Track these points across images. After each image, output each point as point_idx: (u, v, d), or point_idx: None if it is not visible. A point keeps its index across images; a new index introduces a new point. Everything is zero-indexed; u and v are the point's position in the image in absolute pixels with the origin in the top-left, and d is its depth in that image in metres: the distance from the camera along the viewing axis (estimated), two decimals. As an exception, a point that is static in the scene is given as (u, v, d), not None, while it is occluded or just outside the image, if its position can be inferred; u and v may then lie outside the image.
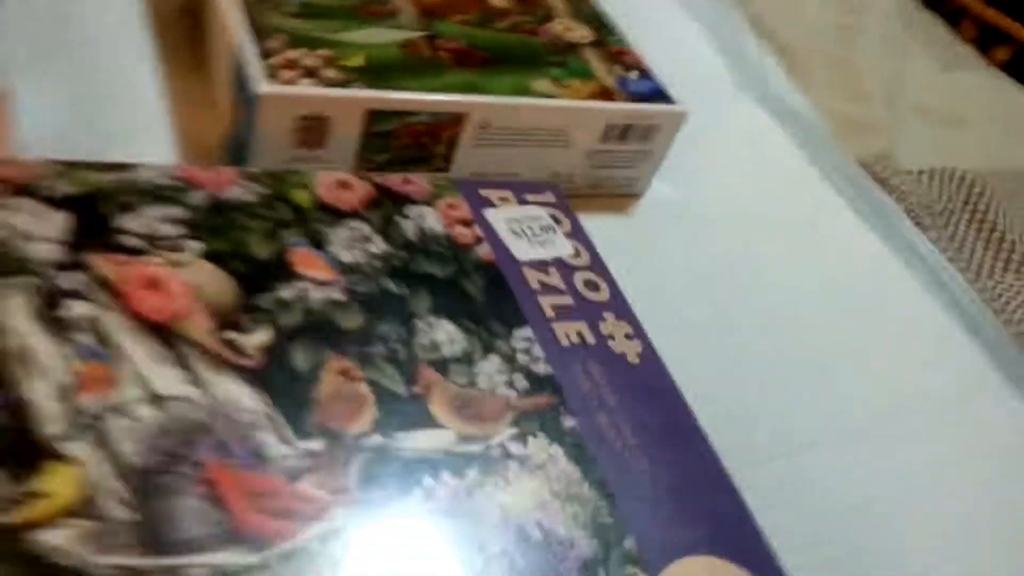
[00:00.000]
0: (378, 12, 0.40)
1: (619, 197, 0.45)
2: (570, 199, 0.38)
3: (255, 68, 0.34)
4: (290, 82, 0.34)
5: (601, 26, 0.46)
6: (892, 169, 0.56)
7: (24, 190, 0.24)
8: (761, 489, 0.28)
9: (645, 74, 0.44)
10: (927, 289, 0.46)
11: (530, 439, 0.24)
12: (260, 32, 0.36)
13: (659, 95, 0.43)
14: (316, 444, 0.22)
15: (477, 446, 0.23)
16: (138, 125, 0.37)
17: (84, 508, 0.19)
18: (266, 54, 0.35)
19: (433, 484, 0.22)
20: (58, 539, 0.18)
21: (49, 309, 0.22)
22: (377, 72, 0.36)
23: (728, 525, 0.25)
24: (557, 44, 0.43)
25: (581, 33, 0.45)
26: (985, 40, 0.84)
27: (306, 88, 0.34)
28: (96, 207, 0.24)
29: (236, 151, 0.36)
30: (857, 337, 0.42)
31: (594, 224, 0.38)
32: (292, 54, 0.35)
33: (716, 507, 0.25)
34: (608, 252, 0.37)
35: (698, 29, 0.58)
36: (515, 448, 0.24)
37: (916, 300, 0.45)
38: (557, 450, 0.24)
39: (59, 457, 0.19)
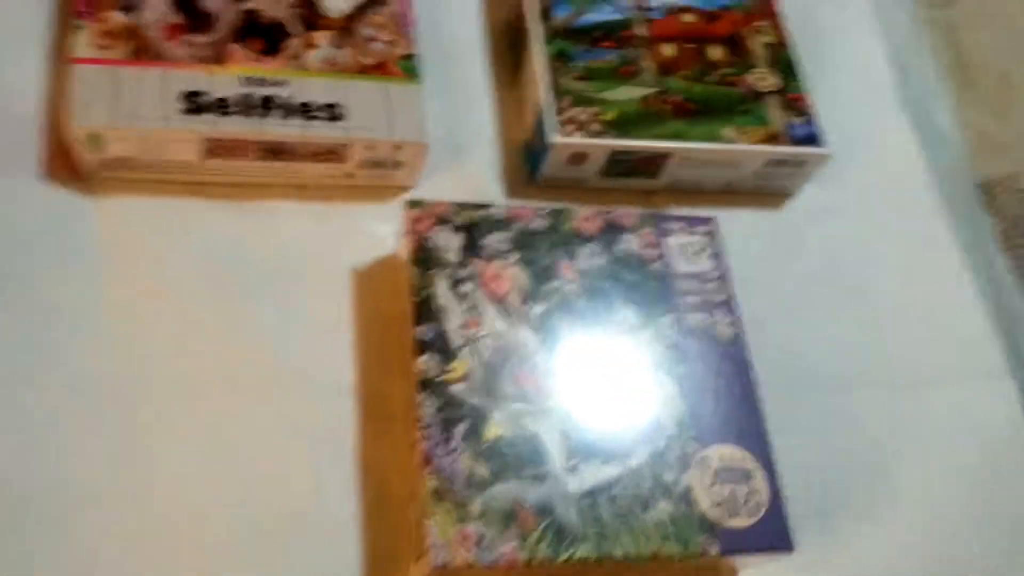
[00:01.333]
0: (630, 71, 0.62)
1: (776, 195, 0.66)
2: (738, 195, 0.61)
3: (551, 122, 0.58)
4: (570, 134, 0.58)
5: (789, 74, 0.65)
6: (1010, 188, 0.71)
7: (441, 220, 0.51)
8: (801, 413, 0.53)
9: (809, 119, 0.63)
10: (984, 296, 0.64)
11: (661, 375, 0.50)
12: (557, 91, 0.59)
13: (813, 139, 0.62)
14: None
15: (634, 375, 0.49)
16: (475, 119, 0.63)
17: (466, 377, 0.47)
18: (559, 111, 0.59)
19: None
20: (459, 390, 0.47)
21: (454, 286, 0.50)
22: (622, 124, 0.59)
23: (750, 431, 0.50)
24: (748, 95, 0.63)
25: (771, 82, 0.64)
26: None
27: (577, 139, 0.58)
28: (472, 231, 0.51)
29: (531, 157, 0.61)
30: (906, 315, 0.63)
31: (751, 216, 0.61)
32: (572, 112, 0.59)
33: (745, 420, 0.50)
34: (757, 231, 0.60)
35: (881, 37, 0.73)
36: (652, 378, 0.50)
37: (968, 301, 0.64)
38: (668, 381, 0.50)
39: (458, 355, 0.48)
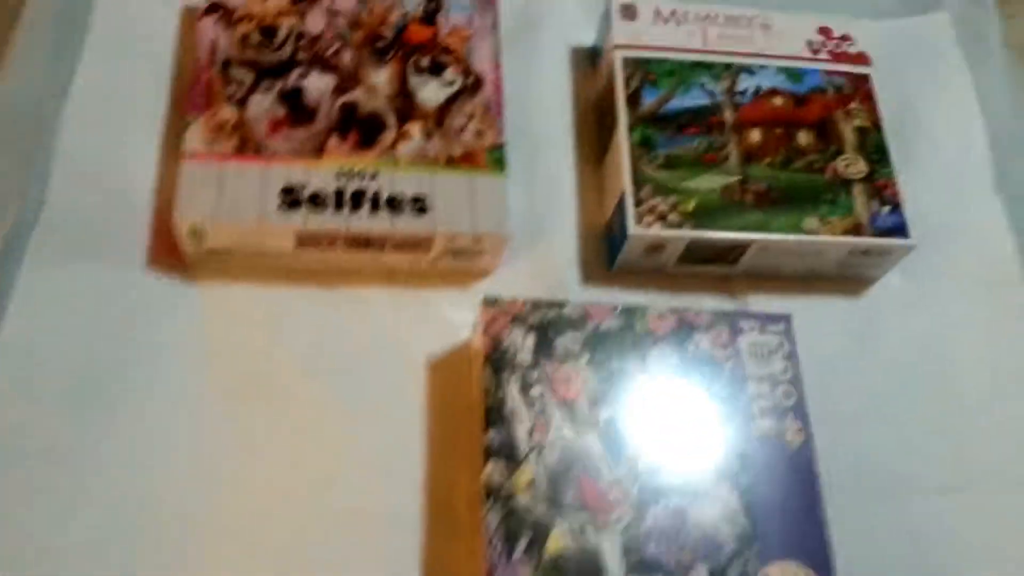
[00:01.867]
0: (714, 159, 0.62)
1: (857, 282, 0.65)
2: (819, 281, 0.61)
3: (630, 214, 0.59)
4: (648, 225, 0.59)
5: (879, 159, 0.63)
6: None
7: (516, 319, 0.53)
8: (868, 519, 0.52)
9: (896, 208, 0.62)
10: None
11: (725, 485, 0.51)
12: (636, 180, 0.60)
13: (900, 229, 0.61)
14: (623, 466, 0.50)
15: (697, 485, 0.50)
16: (556, 204, 0.64)
17: (531, 486, 0.49)
18: (638, 202, 0.59)
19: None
20: (524, 500, 0.48)
21: (524, 390, 0.51)
22: (700, 215, 0.59)
23: (813, 545, 0.50)
24: (835, 181, 0.62)
25: (858, 168, 0.63)
26: None
27: (655, 231, 0.58)
28: (546, 331, 0.53)
29: (611, 244, 0.62)
30: (991, 411, 0.61)
31: (830, 304, 0.61)
32: (652, 202, 0.59)
33: (809, 532, 0.50)
34: (835, 321, 0.60)
35: (981, 117, 0.71)
36: (714, 489, 0.50)
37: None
38: (731, 494, 0.51)
39: (524, 460, 0.50)
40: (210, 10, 0.60)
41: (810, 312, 0.60)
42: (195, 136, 0.56)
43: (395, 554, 0.52)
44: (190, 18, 0.64)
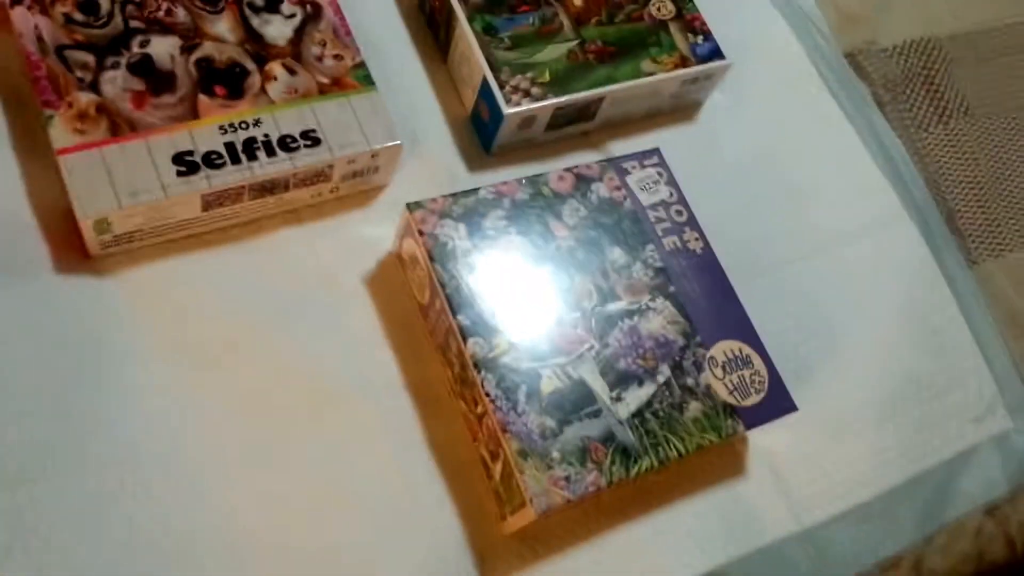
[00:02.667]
0: (551, 30, 0.67)
1: (691, 107, 0.74)
2: (660, 115, 0.69)
3: (499, 96, 0.63)
4: (517, 104, 0.64)
5: (681, -3, 0.72)
6: (870, 52, 0.82)
7: (442, 214, 0.57)
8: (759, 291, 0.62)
9: (708, 36, 0.71)
10: (872, 153, 0.76)
11: (658, 299, 0.59)
12: (492, 65, 0.65)
13: (716, 53, 0.70)
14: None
15: (636, 305, 0.58)
16: (418, 106, 0.68)
17: (511, 348, 0.54)
18: (501, 84, 0.64)
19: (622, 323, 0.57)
20: (509, 360, 0.54)
21: (474, 271, 0.56)
22: (557, 83, 0.65)
23: (738, 323, 0.59)
24: (654, 25, 0.70)
25: (668, 8, 0.71)
26: None
27: (525, 106, 0.64)
28: (472, 218, 0.57)
29: (481, 129, 0.67)
30: (817, 185, 0.74)
31: (674, 132, 0.70)
32: (513, 81, 0.64)
33: (732, 314, 0.60)
34: (682, 143, 0.69)
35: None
36: (651, 304, 0.58)
37: (862, 161, 0.76)
38: (665, 303, 0.59)
39: (497, 331, 0.55)
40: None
41: (661, 142, 0.68)
42: (60, 130, 0.54)
43: (404, 450, 0.56)
44: (-14, 14, 0.59)
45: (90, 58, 0.56)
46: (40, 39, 0.56)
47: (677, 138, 0.72)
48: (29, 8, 0.57)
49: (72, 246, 0.55)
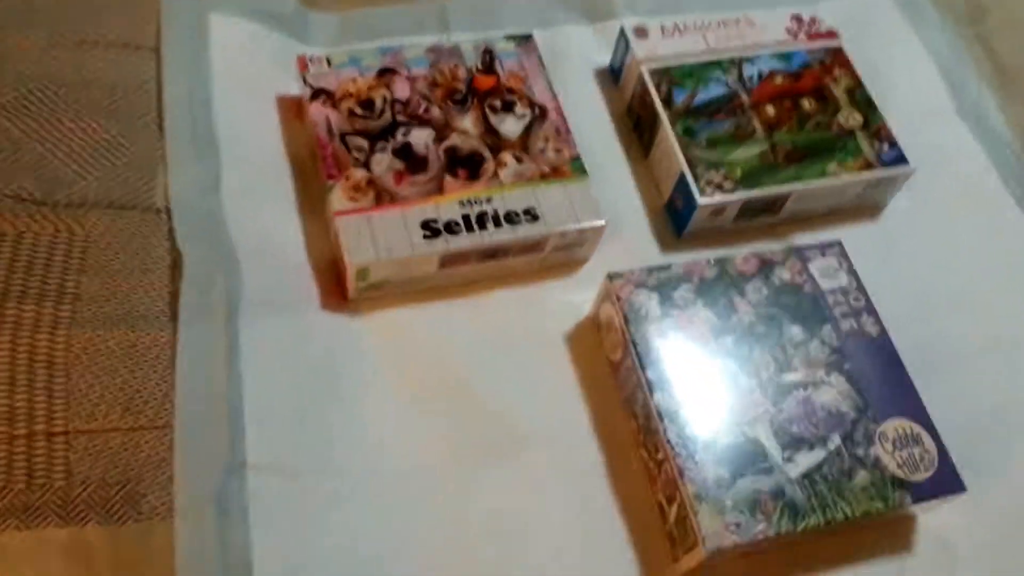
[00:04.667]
0: (744, 135, 0.76)
1: (874, 208, 0.80)
2: (843, 213, 0.75)
3: (695, 188, 0.72)
4: (710, 195, 0.72)
5: (869, 110, 0.78)
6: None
7: (638, 284, 0.66)
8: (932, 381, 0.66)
9: (893, 144, 0.77)
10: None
11: (833, 374, 0.64)
12: (690, 162, 0.74)
13: (900, 159, 0.76)
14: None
15: (812, 378, 0.63)
16: (620, 196, 0.77)
17: (691, 405, 0.61)
18: (696, 178, 0.73)
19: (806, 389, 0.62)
20: (688, 415, 0.61)
21: (661, 334, 0.64)
22: (748, 178, 0.73)
23: (910, 404, 0.63)
24: (841, 133, 0.77)
25: (856, 119, 0.78)
26: None
27: (716, 198, 0.72)
28: (663, 289, 0.66)
29: (675, 217, 0.76)
30: (995, 289, 0.76)
31: (856, 226, 0.75)
32: (707, 176, 0.73)
33: (905, 395, 0.63)
34: (864, 240, 0.74)
35: (930, 62, 0.87)
36: (826, 378, 0.63)
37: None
38: (840, 379, 0.64)
39: (679, 387, 0.62)
40: (315, 96, 0.72)
41: (843, 238, 0.74)
42: (338, 197, 0.67)
43: (592, 495, 0.63)
44: (284, 108, 0.76)
45: (365, 143, 0.70)
46: (328, 126, 0.71)
47: (859, 235, 0.78)
48: (323, 103, 0.72)
49: (335, 290, 0.68)
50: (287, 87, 0.76)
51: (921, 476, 0.61)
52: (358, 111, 0.72)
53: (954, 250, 0.79)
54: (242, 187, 0.71)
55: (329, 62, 0.74)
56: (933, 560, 0.63)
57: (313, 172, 0.72)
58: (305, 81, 0.73)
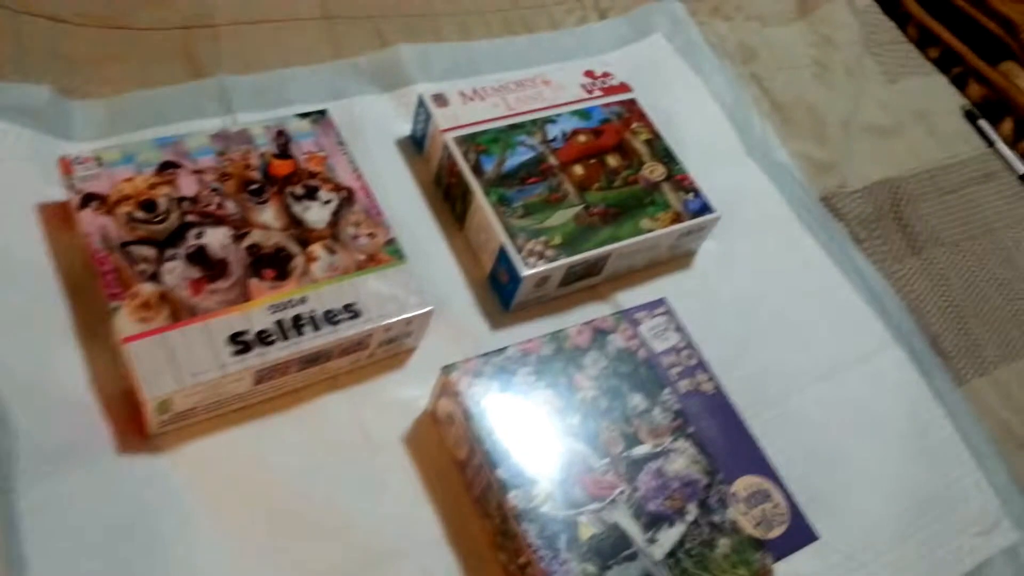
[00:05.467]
0: (558, 198, 0.74)
1: (686, 256, 0.81)
2: (659, 265, 0.76)
3: (517, 260, 0.70)
4: (533, 266, 0.70)
5: (669, 160, 0.80)
6: (842, 194, 0.90)
7: (475, 374, 0.62)
8: (767, 424, 0.67)
9: (697, 193, 0.78)
10: (855, 286, 0.83)
11: (679, 440, 0.63)
12: (509, 232, 0.71)
13: (705, 208, 0.78)
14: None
15: (660, 447, 0.62)
16: (439, 273, 0.74)
17: (548, 498, 0.58)
18: (518, 249, 0.70)
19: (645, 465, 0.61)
20: (547, 509, 0.58)
21: (509, 429, 0.60)
22: (568, 244, 0.72)
23: (753, 459, 0.64)
24: (648, 187, 0.78)
25: (659, 171, 0.79)
26: (923, 41, 1.12)
27: (541, 267, 0.70)
28: (503, 375, 0.62)
29: (501, 290, 0.73)
30: (808, 320, 0.80)
31: (673, 276, 0.76)
32: (528, 246, 0.71)
33: (747, 450, 0.64)
34: (681, 289, 0.75)
35: (716, 105, 0.91)
36: (673, 445, 0.63)
37: (846, 294, 0.82)
38: (686, 443, 0.63)
39: (536, 483, 0.59)
40: (85, 203, 0.63)
41: (661, 290, 0.74)
42: (124, 320, 0.59)
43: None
44: (48, 217, 0.65)
45: (151, 252, 0.62)
46: (105, 237, 0.62)
47: (676, 285, 0.79)
48: (96, 210, 0.63)
49: (131, 427, 0.59)
50: (50, 193, 0.66)
51: (777, 532, 0.61)
52: (139, 215, 0.63)
53: (764, 286, 0.82)
54: (4, 318, 0.60)
55: (99, 161, 0.65)
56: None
57: (91, 290, 0.63)
58: (72, 186, 0.63)
